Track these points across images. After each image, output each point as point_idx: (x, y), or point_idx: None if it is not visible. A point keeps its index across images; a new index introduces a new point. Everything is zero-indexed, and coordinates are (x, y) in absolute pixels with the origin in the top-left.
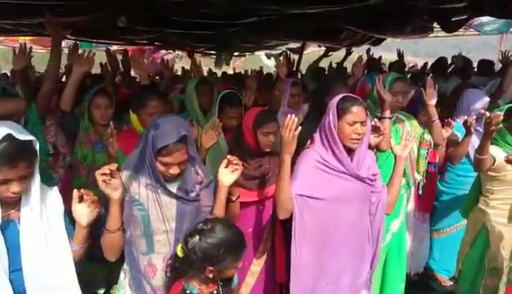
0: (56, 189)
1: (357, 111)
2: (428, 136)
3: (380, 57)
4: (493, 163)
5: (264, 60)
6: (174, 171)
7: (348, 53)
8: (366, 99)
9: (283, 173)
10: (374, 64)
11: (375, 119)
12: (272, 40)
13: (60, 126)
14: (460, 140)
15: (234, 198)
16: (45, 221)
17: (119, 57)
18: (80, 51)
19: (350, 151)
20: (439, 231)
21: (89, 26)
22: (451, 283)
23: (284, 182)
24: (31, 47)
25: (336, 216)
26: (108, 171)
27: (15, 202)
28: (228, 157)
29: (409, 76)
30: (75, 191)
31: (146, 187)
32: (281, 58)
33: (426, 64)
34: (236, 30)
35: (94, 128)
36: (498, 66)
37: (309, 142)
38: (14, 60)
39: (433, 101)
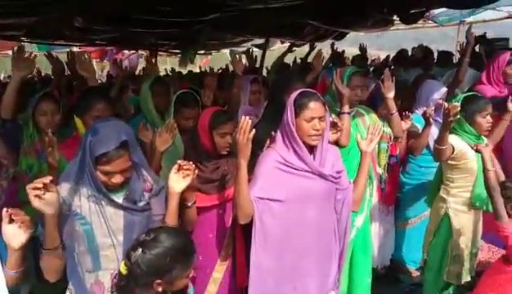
0: None
1: (314, 106)
2: (387, 129)
3: (343, 51)
4: (452, 152)
5: (230, 58)
6: (117, 180)
7: (312, 48)
8: (326, 94)
9: (240, 178)
10: (337, 58)
11: (333, 115)
12: (237, 37)
13: (0, 136)
14: (420, 132)
15: (189, 204)
16: None
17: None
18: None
19: (312, 148)
20: (404, 222)
21: (43, 27)
22: (418, 274)
23: (241, 187)
24: None
25: (300, 218)
26: (40, 185)
27: None
28: (179, 161)
29: (372, 69)
30: (4, 210)
31: (88, 199)
32: (237, 55)
33: (388, 56)
34: (200, 28)
35: (40, 136)
36: (458, 57)
37: (268, 141)
38: None
39: (391, 94)
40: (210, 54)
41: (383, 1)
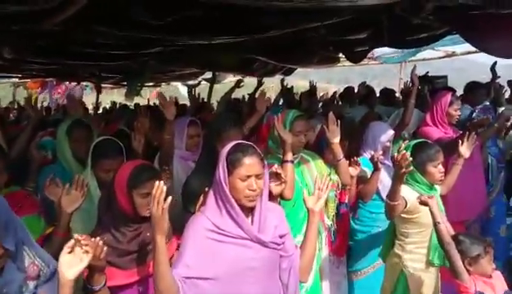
0: None
1: (250, 163)
2: (335, 177)
3: (292, 87)
4: (405, 206)
5: (181, 90)
6: None
7: (260, 83)
8: (268, 138)
9: (158, 258)
10: (287, 94)
11: (276, 165)
12: (184, 70)
13: None
14: (368, 176)
15: (97, 288)
16: None
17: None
18: None
19: (250, 210)
20: (357, 273)
21: None
22: None
23: (161, 268)
24: None
25: None
26: None
27: None
28: (75, 236)
29: (320, 105)
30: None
31: None
32: (168, 95)
33: (335, 93)
34: (144, 60)
35: None
36: (400, 94)
37: (202, 199)
38: None
39: (336, 139)
40: (159, 86)
41: (328, 40)
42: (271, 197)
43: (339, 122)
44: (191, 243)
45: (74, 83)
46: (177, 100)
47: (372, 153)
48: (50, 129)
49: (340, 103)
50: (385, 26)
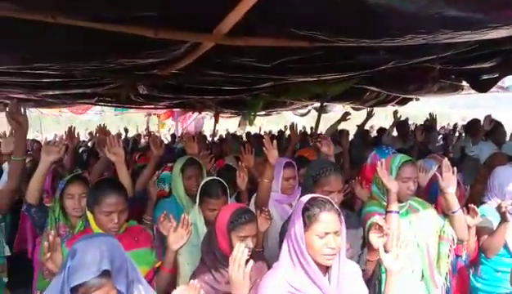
0: None
1: (327, 219)
2: (449, 229)
3: (407, 119)
4: None
5: (291, 118)
6: None
7: (370, 115)
8: (372, 183)
9: None
10: (400, 127)
11: (377, 216)
12: (294, 101)
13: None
14: (493, 227)
15: None
16: None
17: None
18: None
19: (326, 268)
20: None
21: (112, 93)
22: None
23: None
24: None
25: None
26: None
27: None
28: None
29: (440, 138)
30: None
31: None
32: (266, 136)
33: (456, 125)
34: (256, 94)
35: (65, 220)
36: None
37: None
38: None
39: (451, 189)
40: (270, 115)
41: (447, 69)
42: (372, 250)
43: (455, 169)
44: None
45: (196, 113)
46: (283, 132)
47: (498, 201)
48: (170, 164)
49: (464, 136)
50: None
